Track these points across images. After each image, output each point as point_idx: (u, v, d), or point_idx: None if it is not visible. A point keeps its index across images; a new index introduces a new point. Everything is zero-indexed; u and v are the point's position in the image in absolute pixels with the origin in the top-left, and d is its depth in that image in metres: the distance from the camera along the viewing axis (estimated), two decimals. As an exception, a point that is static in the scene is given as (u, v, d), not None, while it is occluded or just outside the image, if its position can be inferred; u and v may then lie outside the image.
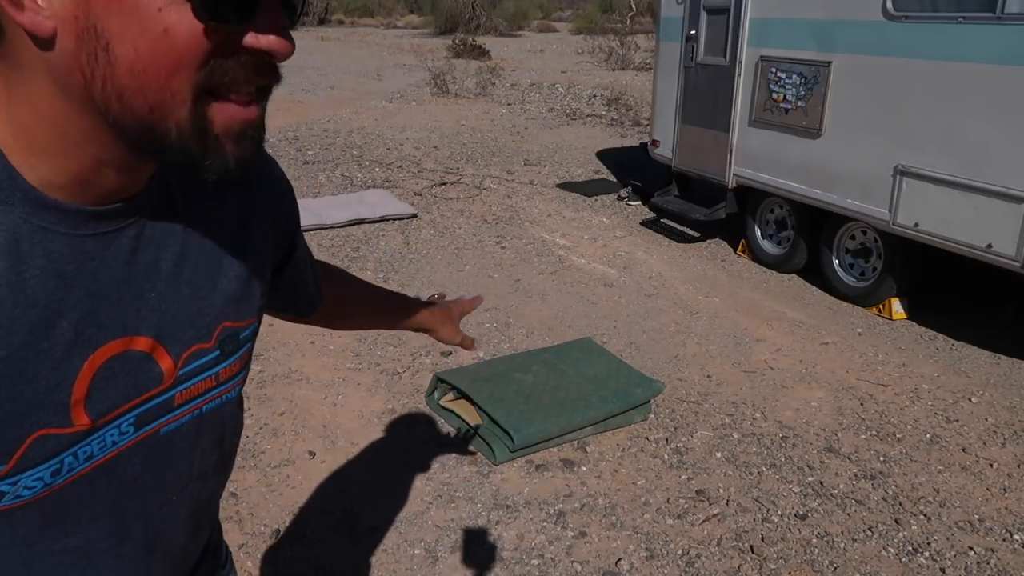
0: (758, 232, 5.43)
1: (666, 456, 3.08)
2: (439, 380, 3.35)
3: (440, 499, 2.78)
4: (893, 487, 2.92)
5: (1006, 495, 2.88)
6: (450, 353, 3.88)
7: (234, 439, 0.85)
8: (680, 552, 2.56)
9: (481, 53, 17.86)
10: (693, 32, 5.62)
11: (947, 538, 2.64)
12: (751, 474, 2.98)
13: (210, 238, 0.73)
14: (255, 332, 0.81)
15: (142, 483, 0.72)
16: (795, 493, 2.87)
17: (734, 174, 5.38)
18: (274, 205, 0.83)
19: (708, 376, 3.75)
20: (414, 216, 6.15)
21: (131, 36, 0.53)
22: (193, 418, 0.74)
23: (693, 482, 2.93)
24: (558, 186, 7.31)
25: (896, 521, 2.72)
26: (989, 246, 3.75)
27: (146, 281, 0.67)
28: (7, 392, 0.59)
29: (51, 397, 0.61)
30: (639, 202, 6.74)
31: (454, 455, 3.05)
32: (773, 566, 2.50)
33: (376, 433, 3.18)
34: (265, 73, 0.58)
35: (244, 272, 0.77)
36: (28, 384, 0.60)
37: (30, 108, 0.57)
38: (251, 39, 0.56)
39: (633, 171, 7.38)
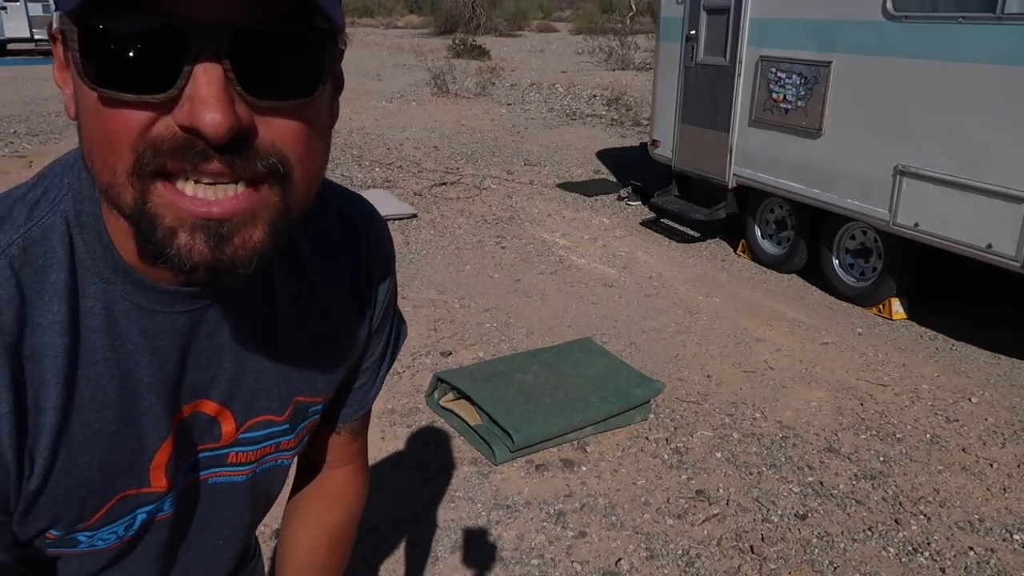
0: (758, 232, 5.43)
1: (666, 456, 3.08)
2: (439, 380, 3.35)
3: (440, 499, 2.78)
4: (893, 487, 2.92)
5: (1006, 495, 2.88)
6: (450, 353, 3.88)
7: (281, 487, 0.85)
8: (680, 552, 2.56)
9: (481, 53, 17.86)
10: (693, 32, 5.62)
11: (947, 538, 2.64)
12: (751, 474, 2.98)
13: (297, 313, 0.72)
14: (326, 406, 0.80)
15: (190, 524, 0.74)
16: (795, 493, 2.87)
17: (734, 174, 5.38)
18: (382, 287, 0.80)
19: (708, 376, 3.75)
20: (414, 216, 6.15)
21: (83, 110, 0.51)
22: (247, 479, 0.75)
23: (693, 482, 2.93)
24: (558, 186, 7.31)
25: (896, 521, 2.72)
26: (989, 246, 3.75)
27: (227, 351, 0.67)
28: (100, 463, 0.61)
29: (135, 462, 0.63)
30: (639, 202, 6.74)
31: (454, 455, 3.05)
32: (773, 566, 2.50)
33: (376, 433, 3.18)
34: (191, 156, 0.48)
35: (330, 351, 0.76)
36: (117, 454, 0.62)
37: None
38: (180, 113, 0.47)
39: (633, 171, 7.38)
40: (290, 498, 0.96)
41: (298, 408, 0.75)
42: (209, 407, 0.68)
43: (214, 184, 0.50)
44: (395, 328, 0.87)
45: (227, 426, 0.70)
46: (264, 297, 0.69)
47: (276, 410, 0.73)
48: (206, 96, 0.46)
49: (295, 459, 0.83)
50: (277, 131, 0.51)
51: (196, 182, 0.49)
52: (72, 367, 0.58)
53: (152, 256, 0.52)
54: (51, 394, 0.57)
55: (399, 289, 4.68)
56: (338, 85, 0.59)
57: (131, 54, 0.47)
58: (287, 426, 0.75)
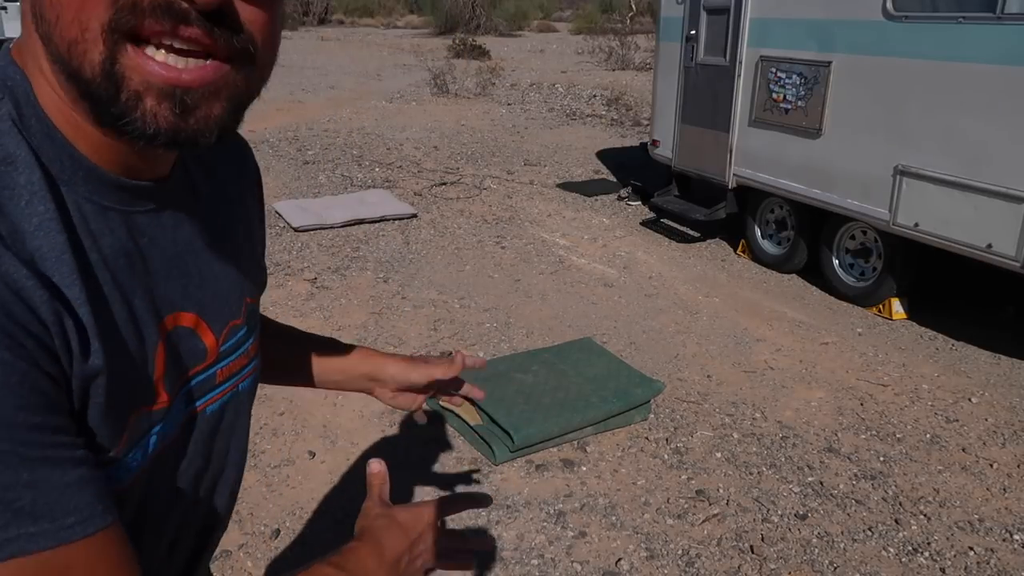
0: (758, 232, 5.43)
1: (666, 456, 3.08)
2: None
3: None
4: (893, 487, 2.92)
5: (1006, 495, 2.88)
6: (450, 353, 3.87)
7: (249, 416, 0.84)
8: (680, 552, 2.56)
9: (481, 53, 17.86)
10: (693, 32, 5.62)
11: (947, 538, 2.64)
12: (751, 474, 2.98)
13: (226, 218, 0.74)
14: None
15: (195, 464, 0.71)
16: (795, 493, 2.87)
17: (734, 174, 5.38)
18: (260, 184, 0.85)
19: (708, 376, 3.75)
20: (414, 216, 6.15)
21: None
22: (231, 397, 0.74)
23: (693, 482, 2.93)
24: (558, 186, 7.31)
25: (896, 521, 2.72)
26: (989, 246, 3.75)
27: (189, 257, 0.67)
28: (117, 373, 0.57)
29: (142, 373, 0.61)
30: (639, 202, 6.74)
31: (454, 455, 3.05)
32: (773, 566, 2.50)
33: (376, 433, 3.18)
34: (175, 16, 0.48)
35: (253, 248, 0.79)
36: (129, 361, 0.59)
37: (48, 79, 0.54)
38: None
39: (633, 171, 7.38)
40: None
41: (250, 309, 0.76)
42: (187, 319, 0.66)
43: (185, 55, 0.50)
44: None
45: (208, 339, 0.69)
46: (198, 199, 0.70)
47: (236, 314, 0.73)
48: None
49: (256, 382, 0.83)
50: (250, 15, 0.52)
51: (167, 50, 0.49)
52: (82, 265, 0.55)
53: (112, 120, 0.50)
54: (75, 294, 0.53)
55: (399, 289, 4.68)
56: None
57: None
58: (245, 328, 0.75)
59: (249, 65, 0.54)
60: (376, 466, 0.85)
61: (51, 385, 0.51)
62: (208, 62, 0.51)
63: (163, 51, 0.49)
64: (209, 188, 0.73)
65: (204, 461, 0.72)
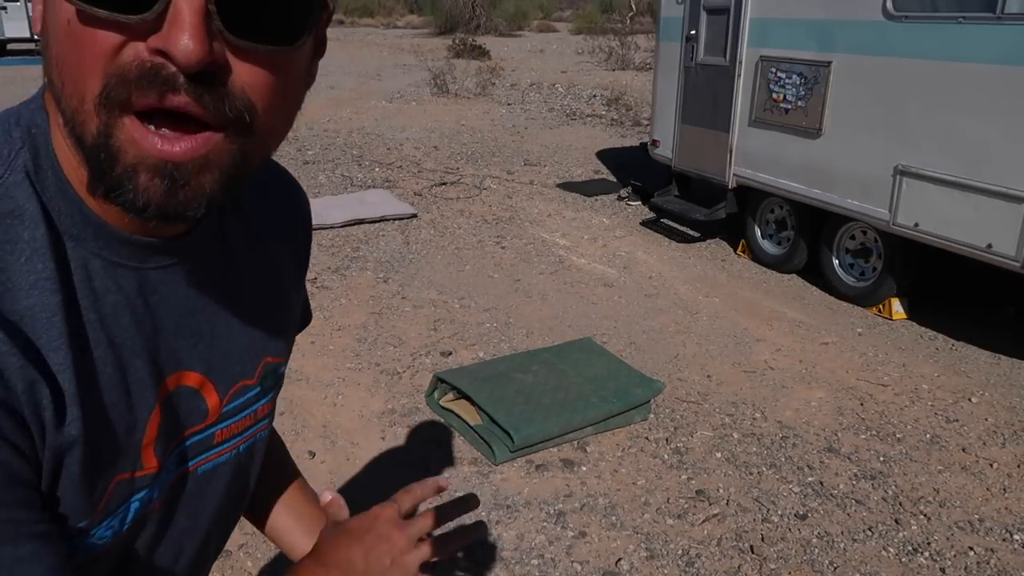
0: (758, 232, 5.43)
1: (666, 456, 3.08)
2: (439, 380, 3.35)
3: (440, 499, 2.78)
4: (893, 487, 2.91)
5: (1006, 495, 2.88)
6: (450, 353, 3.88)
7: (258, 471, 0.82)
8: (680, 552, 2.56)
9: (481, 53, 17.86)
10: (693, 32, 5.62)
11: (947, 538, 2.64)
12: (751, 474, 2.98)
13: (254, 269, 0.71)
14: (286, 366, 0.79)
15: (179, 526, 0.69)
16: (795, 493, 2.87)
17: (734, 174, 5.38)
18: (305, 242, 0.82)
19: (708, 376, 3.75)
20: (414, 216, 6.15)
21: (54, 27, 0.49)
22: (230, 458, 0.72)
23: (693, 482, 2.93)
24: (558, 186, 7.31)
25: (896, 521, 2.72)
26: (989, 246, 3.75)
27: (202, 315, 0.65)
28: (101, 439, 0.56)
29: (129, 439, 0.59)
30: (639, 202, 6.74)
31: (454, 455, 3.05)
32: (773, 566, 2.50)
33: (376, 433, 3.18)
34: (158, 85, 0.46)
35: (284, 306, 0.76)
36: (115, 427, 0.57)
37: (64, 134, 0.53)
38: (154, 38, 0.46)
39: (633, 171, 7.38)
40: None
41: (268, 370, 0.74)
42: (192, 379, 0.65)
43: (177, 129, 0.48)
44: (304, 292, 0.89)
45: (211, 400, 0.67)
46: (225, 254, 0.68)
47: (248, 374, 0.71)
48: (183, 22, 0.45)
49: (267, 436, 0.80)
50: (249, 77, 0.49)
51: (159, 124, 0.48)
52: (73, 327, 0.54)
53: (105, 190, 0.50)
54: (58, 359, 0.52)
55: (399, 289, 4.68)
56: (320, 48, 0.59)
57: None
58: (259, 389, 0.73)
59: (245, 135, 0.51)
60: (327, 495, 0.82)
61: (13, 455, 0.49)
62: (198, 133, 0.49)
63: (155, 124, 0.48)
64: (244, 240, 0.70)
65: (192, 520, 0.70)
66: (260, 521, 0.93)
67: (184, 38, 0.45)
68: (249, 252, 0.71)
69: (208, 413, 0.67)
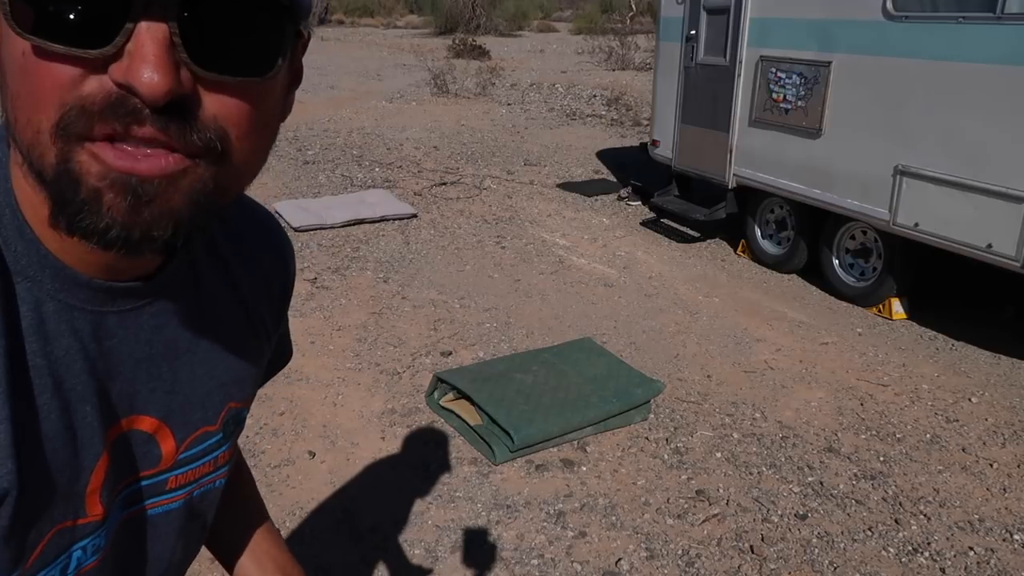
0: (758, 232, 5.43)
1: (666, 456, 3.08)
2: (439, 380, 3.35)
3: (440, 499, 2.78)
4: (893, 487, 2.92)
5: (1006, 495, 2.88)
6: (450, 353, 3.88)
7: (213, 517, 0.78)
8: (680, 552, 2.56)
9: (481, 53, 17.86)
10: (693, 32, 5.62)
11: (947, 538, 2.64)
12: (751, 474, 2.98)
13: (225, 313, 0.69)
14: (248, 411, 0.76)
15: (120, 565, 0.66)
16: (795, 493, 2.87)
17: (734, 174, 5.38)
18: (283, 292, 0.79)
19: (708, 376, 3.75)
20: (414, 216, 6.15)
21: (8, 61, 0.46)
22: (183, 504, 0.69)
23: (693, 482, 2.93)
24: (558, 186, 7.31)
25: (896, 521, 2.72)
26: (989, 246, 3.75)
27: (164, 360, 0.63)
28: (40, 488, 0.54)
29: (72, 488, 0.56)
30: (639, 202, 6.74)
31: (454, 455, 3.05)
32: (773, 566, 2.50)
33: (376, 433, 3.18)
34: (121, 115, 0.44)
35: (252, 349, 0.73)
36: (56, 476, 0.55)
37: (24, 172, 0.50)
38: (116, 69, 0.44)
39: (633, 171, 7.38)
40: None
41: (231, 415, 0.71)
42: (146, 423, 0.62)
43: (148, 146, 0.46)
44: (286, 333, 0.86)
45: (166, 446, 0.65)
46: (193, 297, 0.65)
47: (211, 419, 0.69)
48: (146, 54, 0.43)
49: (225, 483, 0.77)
50: (220, 107, 0.47)
51: (122, 141, 0.46)
52: (15, 375, 0.52)
53: (68, 219, 0.47)
54: None
55: (399, 289, 4.68)
56: (296, 78, 0.57)
57: (68, 3, 0.43)
58: (221, 435, 0.70)
59: (218, 163, 0.48)
60: None
61: None
62: (170, 155, 0.46)
63: (112, 144, 0.46)
64: (217, 285, 0.69)
65: (141, 562, 0.68)
66: (228, 566, 0.90)
67: (147, 71, 0.43)
68: (222, 298, 0.69)
69: (162, 459, 0.65)
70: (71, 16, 0.43)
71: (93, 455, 0.58)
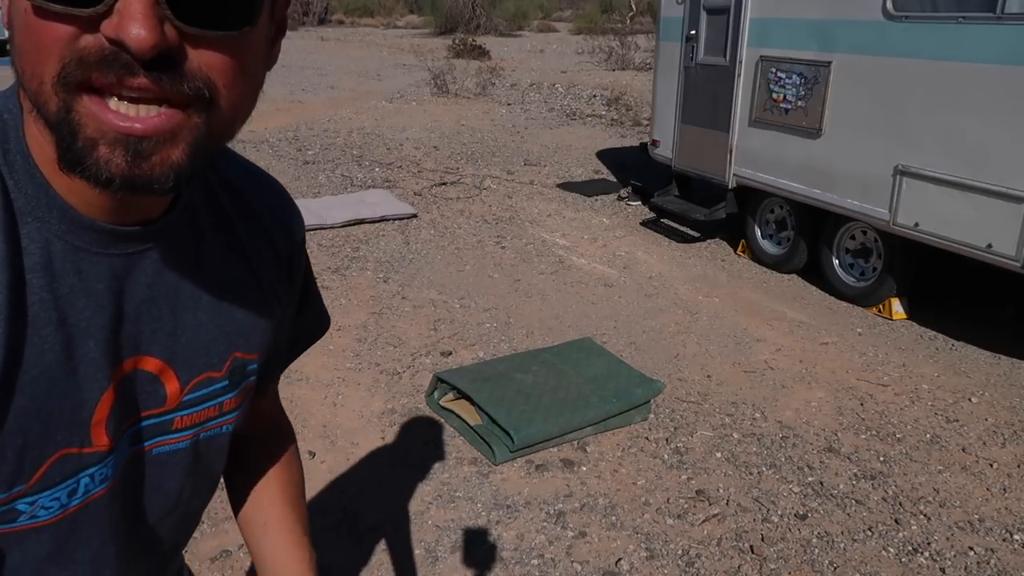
0: (758, 232, 5.43)
1: (666, 456, 3.08)
2: (439, 380, 3.35)
3: (440, 499, 2.78)
4: (893, 487, 2.92)
5: (1006, 495, 2.88)
6: (450, 353, 3.88)
7: (223, 465, 0.83)
8: (680, 552, 2.56)
9: (481, 53, 17.86)
10: (693, 32, 5.62)
11: (947, 538, 2.64)
12: (751, 474, 2.98)
13: (229, 267, 0.73)
14: (262, 367, 0.80)
15: (131, 502, 0.71)
16: (795, 493, 2.87)
17: (734, 174, 5.38)
18: (285, 244, 0.81)
19: (708, 376, 3.75)
20: (414, 216, 6.15)
21: (15, 20, 0.51)
22: (190, 444, 0.73)
23: (693, 482, 2.93)
24: (558, 186, 7.31)
25: (896, 521, 2.72)
26: (989, 246, 3.75)
27: (165, 303, 0.67)
28: (37, 411, 0.59)
29: (75, 416, 0.61)
30: (639, 202, 6.74)
31: (454, 455, 3.05)
32: (773, 566, 2.50)
33: (376, 433, 3.18)
34: (117, 68, 0.49)
35: (258, 305, 0.77)
36: (56, 403, 0.60)
37: (34, 119, 0.55)
38: (107, 26, 0.48)
39: (633, 171, 7.38)
40: (228, 472, 0.94)
41: (236, 365, 0.75)
42: (151, 364, 0.67)
43: (137, 103, 0.50)
44: (316, 301, 0.91)
45: (171, 386, 0.69)
46: (195, 248, 0.69)
47: (215, 366, 0.72)
48: (134, 12, 0.47)
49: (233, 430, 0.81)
50: (205, 59, 0.51)
51: (120, 99, 0.50)
52: (14, 306, 0.57)
53: (70, 165, 0.52)
54: None
55: (399, 289, 4.68)
56: (280, 29, 0.61)
57: None
58: (227, 382, 0.74)
59: (208, 109, 0.53)
60: None
61: None
62: (162, 109, 0.51)
63: (115, 99, 0.50)
64: (220, 238, 0.72)
65: (152, 497, 0.72)
66: (240, 512, 0.94)
67: (135, 27, 0.47)
68: (225, 253, 0.73)
69: (167, 399, 0.69)
70: None
71: (97, 388, 0.62)
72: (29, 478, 0.60)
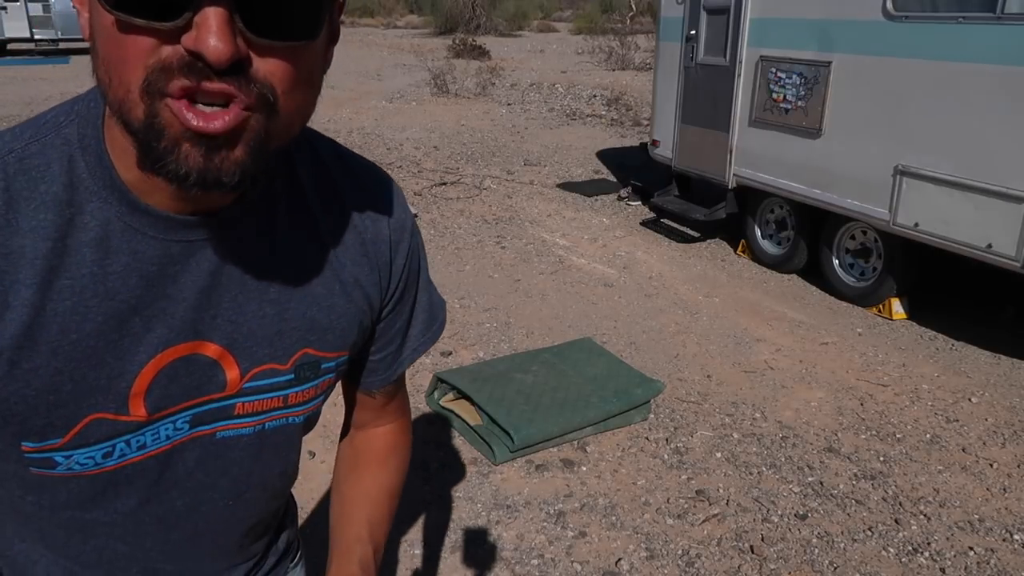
0: (758, 232, 5.43)
1: (666, 456, 3.08)
2: (439, 380, 3.35)
3: (440, 499, 2.78)
4: (893, 487, 2.92)
5: (1006, 495, 2.88)
6: (450, 353, 3.88)
7: (297, 457, 0.87)
8: (680, 552, 2.56)
9: (481, 53, 17.86)
10: (693, 32, 5.62)
11: (947, 538, 2.64)
12: (751, 474, 2.98)
13: (305, 263, 0.75)
14: (342, 366, 0.81)
15: (195, 481, 0.76)
16: (795, 493, 2.87)
17: (734, 174, 5.38)
18: (398, 252, 0.82)
19: (708, 376, 3.75)
20: (414, 216, 6.15)
21: (98, 32, 0.56)
22: (256, 432, 0.77)
23: (693, 482, 2.93)
24: (558, 186, 7.31)
25: (896, 521, 2.72)
26: (989, 246, 3.75)
27: (227, 292, 0.70)
28: (71, 373, 0.64)
29: (112, 384, 0.66)
30: (639, 202, 6.74)
31: (454, 455, 3.05)
32: (773, 566, 2.50)
33: (376, 433, 3.18)
34: (195, 74, 0.54)
35: (336, 302, 0.77)
36: (92, 368, 0.65)
37: (112, 121, 0.60)
38: (187, 38, 0.53)
39: (633, 171, 7.38)
40: (339, 454, 1.00)
41: (306, 360, 0.77)
42: (210, 350, 0.70)
43: (211, 106, 0.55)
44: (424, 301, 0.90)
45: (231, 373, 0.72)
46: (269, 241, 0.72)
47: (280, 358, 0.75)
48: (211, 26, 0.52)
49: (310, 426, 0.85)
50: (270, 66, 0.56)
51: (194, 101, 0.55)
52: (52, 273, 0.62)
53: (152, 163, 0.57)
54: (23, 293, 0.61)
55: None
56: (334, 36, 0.66)
57: None
58: (292, 376, 0.76)
59: (269, 112, 0.58)
60: None
61: None
62: (230, 109, 0.56)
63: (191, 103, 0.55)
64: (298, 234, 0.74)
65: (211, 479, 0.77)
66: (334, 492, 1.00)
67: (213, 40, 0.52)
68: (302, 248, 0.74)
69: (227, 384, 0.72)
70: None
71: (138, 362, 0.67)
72: (63, 435, 0.66)
